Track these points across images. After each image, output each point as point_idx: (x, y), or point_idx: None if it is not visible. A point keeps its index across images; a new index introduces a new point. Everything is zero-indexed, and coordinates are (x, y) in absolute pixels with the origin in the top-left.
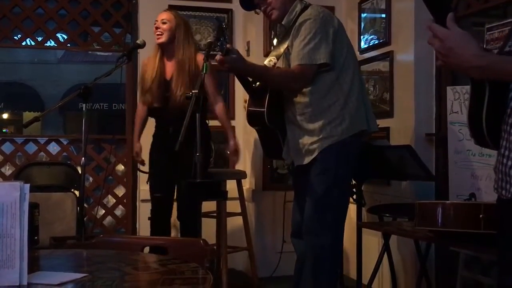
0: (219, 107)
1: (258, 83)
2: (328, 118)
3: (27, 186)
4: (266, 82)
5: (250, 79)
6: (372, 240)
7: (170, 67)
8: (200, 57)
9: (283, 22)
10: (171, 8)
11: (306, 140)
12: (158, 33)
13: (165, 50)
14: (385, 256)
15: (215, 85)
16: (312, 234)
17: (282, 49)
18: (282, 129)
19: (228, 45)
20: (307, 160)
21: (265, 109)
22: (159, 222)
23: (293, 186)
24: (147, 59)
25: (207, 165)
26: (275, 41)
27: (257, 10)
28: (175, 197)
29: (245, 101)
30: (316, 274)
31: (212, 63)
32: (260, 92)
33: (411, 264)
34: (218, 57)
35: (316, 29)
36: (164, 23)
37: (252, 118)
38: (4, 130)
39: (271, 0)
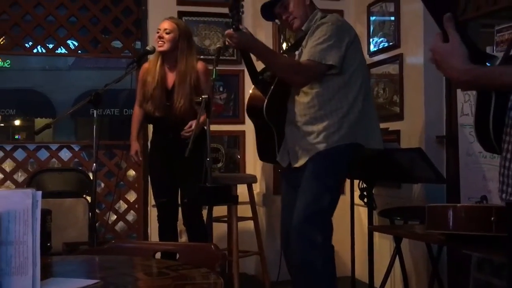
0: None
1: (264, 74)
2: (328, 123)
3: (39, 193)
4: (272, 66)
5: (258, 71)
6: (384, 243)
7: (171, 77)
8: (200, 65)
9: (303, 28)
10: (181, 14)
11: (303, 142)
12: (160, 42)
13: (166, 58)
14: (397, 259)
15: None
16: (302, 238)
17: (296, 50)
18: (280, 129)
19: (240, 25)
20: (300, 162)
21: (266, 103)
22: (166, 226)
23: (282, 189)
24: (148, 64)
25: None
26: (284, 45)
27: (277, 21)
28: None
29: None
30: (311, 281)
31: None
32: (265, 84)
33: (423, 266)
34: (228, 31)
35: (331, 32)
36: (167, 33)
37: (252, 110)
38: (16, 137)
39: (293, 9)
